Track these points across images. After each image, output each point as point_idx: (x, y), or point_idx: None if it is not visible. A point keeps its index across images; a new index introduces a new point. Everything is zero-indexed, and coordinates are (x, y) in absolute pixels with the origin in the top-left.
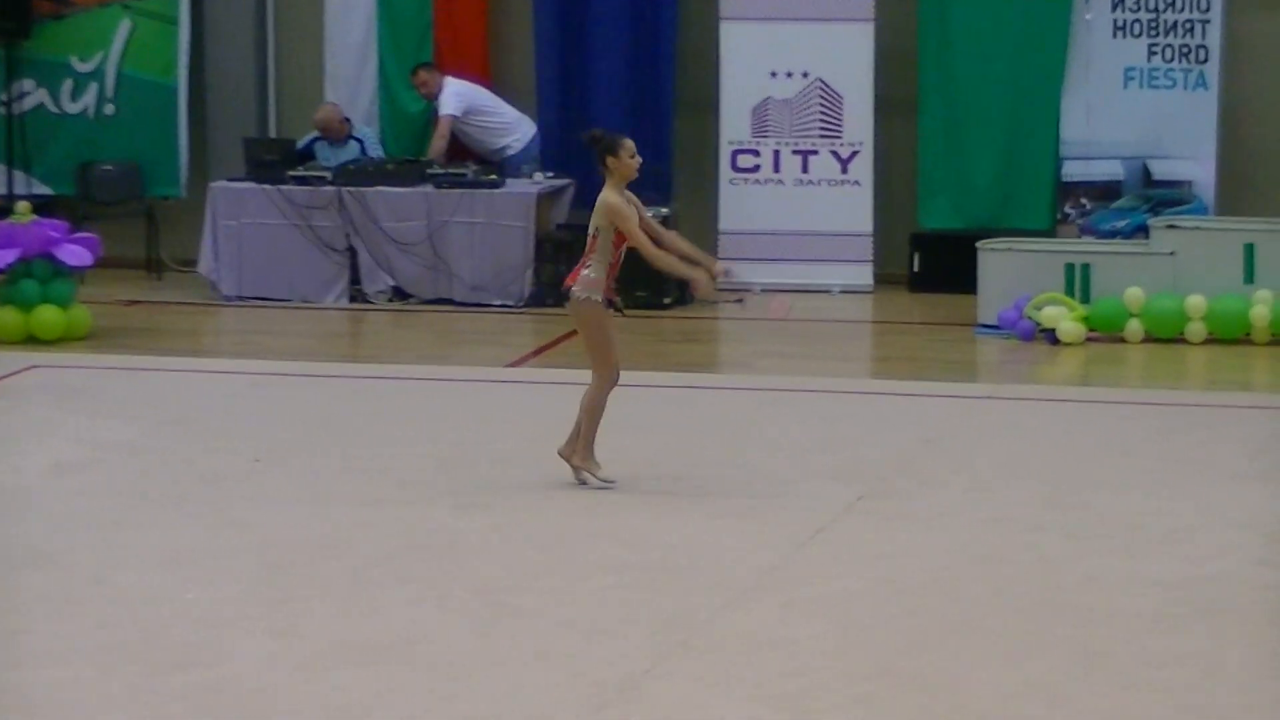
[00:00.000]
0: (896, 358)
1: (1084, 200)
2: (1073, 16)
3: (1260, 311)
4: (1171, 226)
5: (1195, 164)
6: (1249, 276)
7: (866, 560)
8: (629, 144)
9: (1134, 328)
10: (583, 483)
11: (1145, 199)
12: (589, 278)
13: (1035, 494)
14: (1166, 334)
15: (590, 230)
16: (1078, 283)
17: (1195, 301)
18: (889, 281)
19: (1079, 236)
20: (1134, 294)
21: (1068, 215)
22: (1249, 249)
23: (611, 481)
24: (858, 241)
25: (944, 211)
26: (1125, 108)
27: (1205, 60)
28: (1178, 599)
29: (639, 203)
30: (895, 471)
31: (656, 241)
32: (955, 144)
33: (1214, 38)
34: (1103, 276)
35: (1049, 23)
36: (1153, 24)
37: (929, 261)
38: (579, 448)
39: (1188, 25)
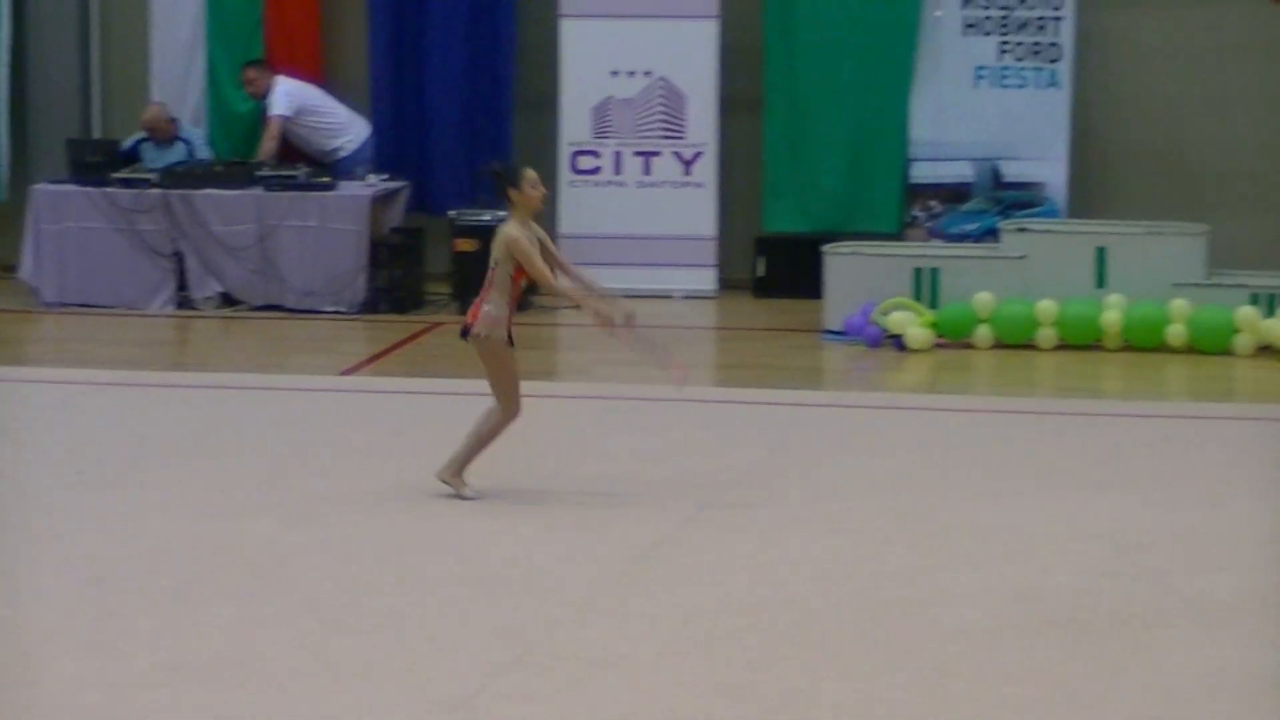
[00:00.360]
0: (740, 365)
1: (932, 203)
2: (922, 14)
3: (1111, 316)
4: (1022, 229)
5: (1046, 165)
6: (1100, 281)
7: (707, 573)
8: (531, 174)
9: (983, 333)
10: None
11: (995, 201)
12: (491, 314)
13: (881, 504)
14: (1016, 340)
15: (490, 263)
16: (926, 287)
17: (1046, 306)
18: (733, 286)
19: (927, 240)
20: (983, 299)
21: (916, 218)
22: (1100, 252)
23: (476, 496)
24: (701, 245)
25: (789, 214)
26: (975, 108)
27: (1057, 59)
28: (1026, 611)
29: (544, 234)
30: (738, 482)
31: (561, 271)
32: (801, 145)
33: (1066, 35)
34: (951, 281)
35: (897, 20)
36: (1004, 21)
37: (774, 266)
38: (452, 465)
39: (1039, 23)
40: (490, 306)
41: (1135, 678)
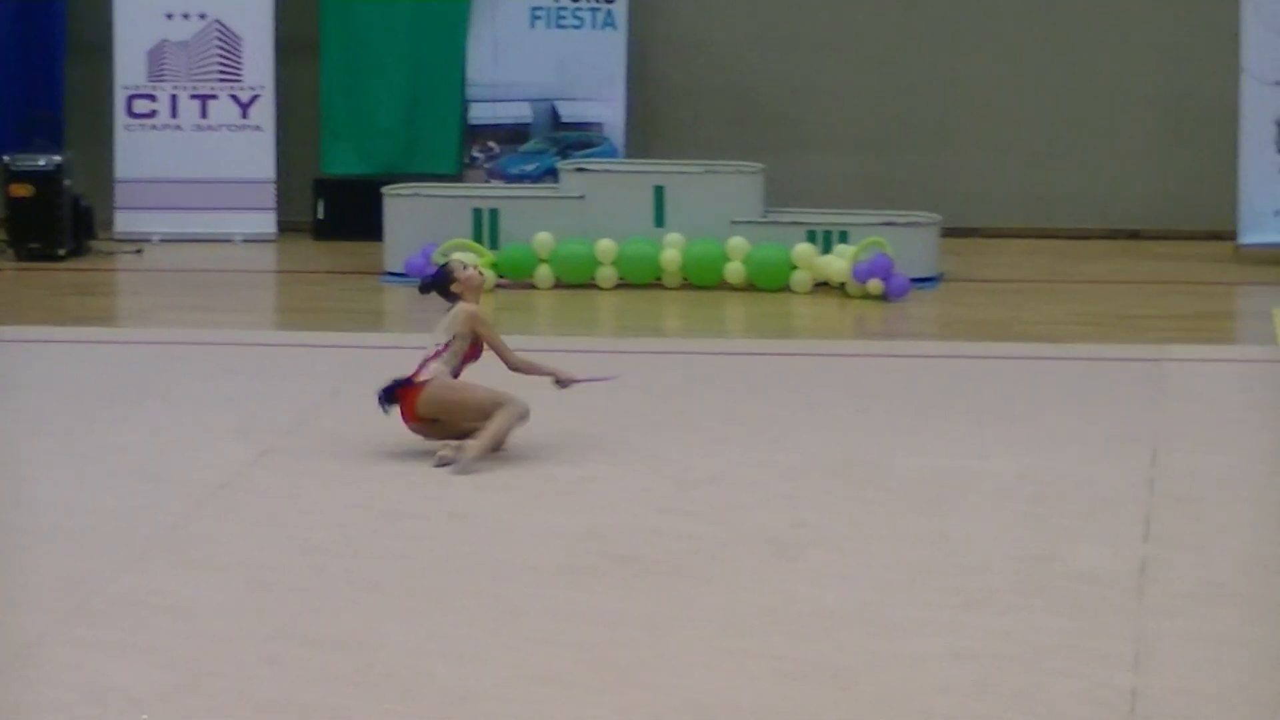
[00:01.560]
0: (302, 308)
1: (492, 144)
2: None
3: (670, 255)
4: (581, 170)
5: (604, 106)
6: (659, 220)
7: (270, 517)
8: (455, 264)
9: (544, 273)
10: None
11: (554, 142)
12: (436, 368)
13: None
14: (577, 279)
15: (444, 338)
16: (486, 228)
17: (605, 246)
18: (293, 229)
19: (487, 181)
20: (543, 239)
21: (475, 159)
22: (658, 191)
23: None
24: (260, 188)
25: (348, 157)
26: (532, 48)
27: (612, 0)
28: (587, 550)
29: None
30: (300, 425)
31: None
32: (358, 87)
33: None
34: (511, 221)
35: None
36: None
37: (334, 208)
38: (474, 447)
39: None
40: (437, 364)
41: (699, 612)
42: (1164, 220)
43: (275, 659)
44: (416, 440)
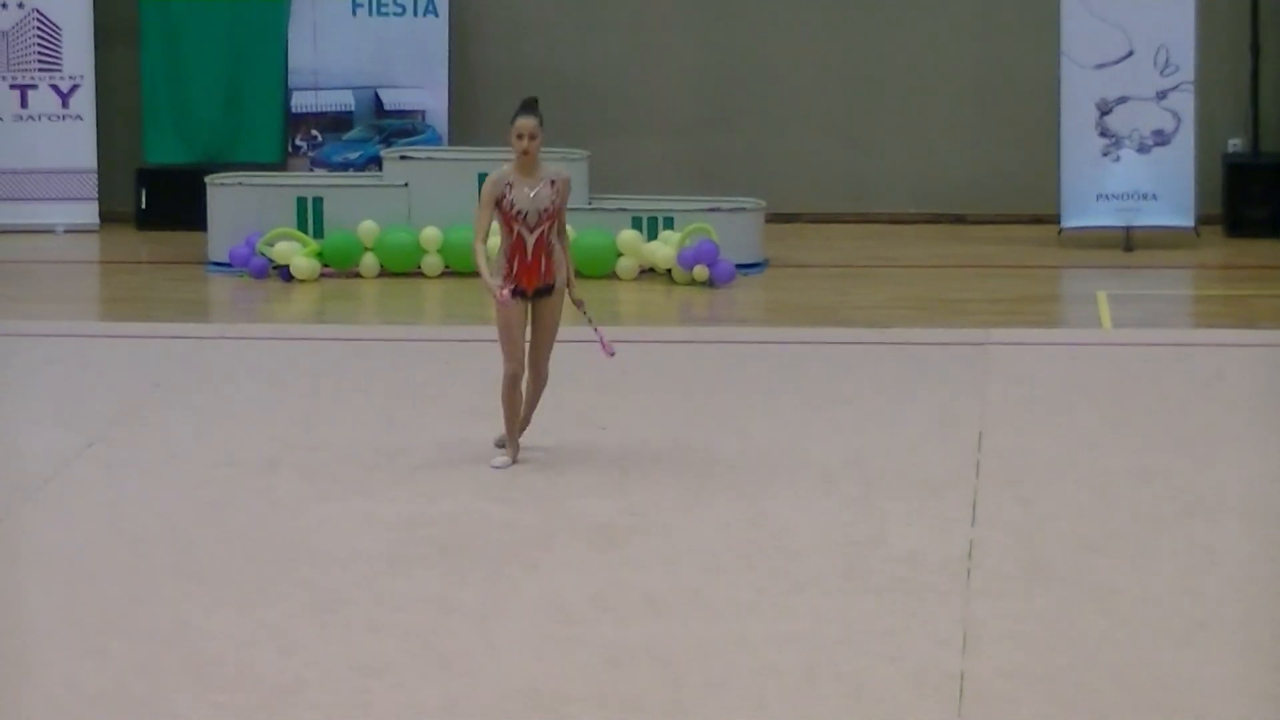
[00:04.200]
0: (124, 299)
1: (315, 132)
2: None
3: (496, 243)
4: (404, 157)
5: (426, 93)
6: None
7: (95, 509)
8: (519, 123)
9: (369, 262)
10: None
11: (377, 130)
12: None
13: (271, 435)
14: (402, 268)
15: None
16: (310, 217)
17: (430, 233)
18: (116, 219)
19: (310, 169)
20: (368, 227)
21: (299, 147)
22: (482, 178)
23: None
24: (81, 178)
25: (170, 146)
26: (354, 36)
27: None
28: (413, 539)
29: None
30: (125, 417)
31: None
32: (179, 76)
33: None
34: (335, 210)
35: None
36: None
37: (156, 198)
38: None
39: None
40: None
41: (526, 599)
42: (986, 204)
43: (103, 651)
44: (244, 431)
